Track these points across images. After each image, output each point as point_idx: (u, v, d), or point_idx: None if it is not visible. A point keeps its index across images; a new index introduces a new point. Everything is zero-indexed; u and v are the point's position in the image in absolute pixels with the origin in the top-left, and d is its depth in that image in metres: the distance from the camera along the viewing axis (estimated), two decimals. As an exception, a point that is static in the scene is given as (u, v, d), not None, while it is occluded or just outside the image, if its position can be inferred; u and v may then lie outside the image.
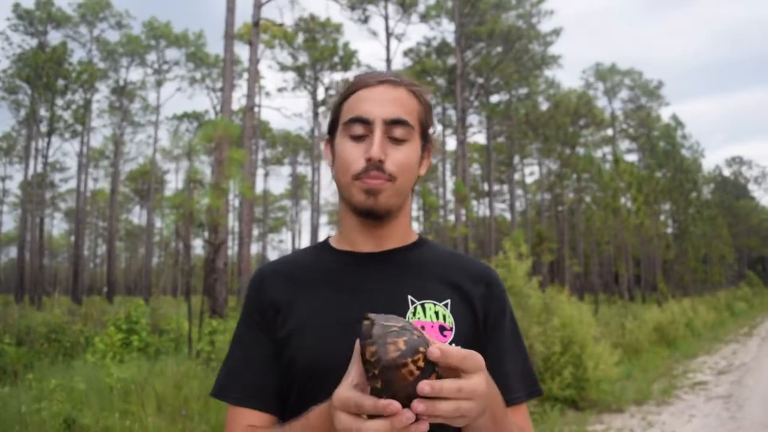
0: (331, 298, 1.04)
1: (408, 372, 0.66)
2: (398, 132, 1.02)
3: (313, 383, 0.98)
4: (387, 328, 0.68)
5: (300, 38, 32.12)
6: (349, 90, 1.06)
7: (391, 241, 1.10)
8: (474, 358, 0.72)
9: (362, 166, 1.01)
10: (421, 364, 0.67)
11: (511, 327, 1.11)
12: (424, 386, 0.66)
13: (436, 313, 1.02)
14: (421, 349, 0.67)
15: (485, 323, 1.07)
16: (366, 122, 1.01)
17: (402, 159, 1.02)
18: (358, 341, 0.71)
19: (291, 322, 1.03)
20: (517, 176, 43.97)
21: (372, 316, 0.70)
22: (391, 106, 1.02)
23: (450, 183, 38.37)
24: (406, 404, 0.66)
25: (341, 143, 1.05)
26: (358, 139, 1.03)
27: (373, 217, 1.04)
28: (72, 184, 43.10)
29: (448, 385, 0.68)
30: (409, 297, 1.03)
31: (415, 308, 1.02)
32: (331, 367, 0.91)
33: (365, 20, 28.23)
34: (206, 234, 10.70)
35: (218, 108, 34.71)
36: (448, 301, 1.05)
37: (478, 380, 0.71)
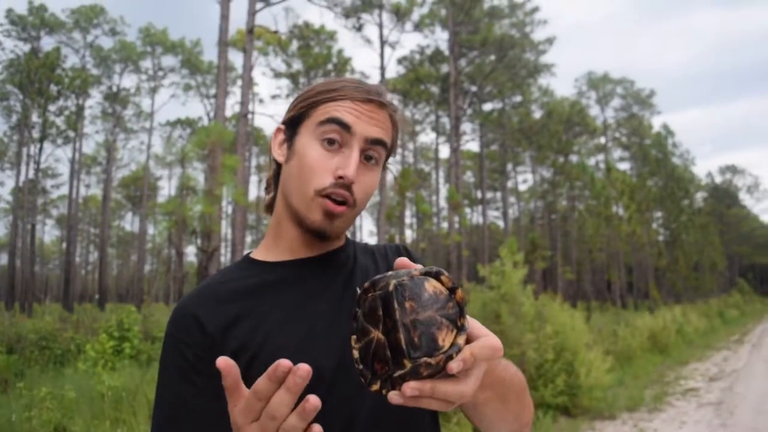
0: (283, 314, 0.94)
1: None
2: (375, 152, 0.97)
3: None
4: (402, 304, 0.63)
5: (294, 45, 32.18)
6: (333, 94, 0.97)
7: (331, 245, 1.05)
8: (497, 350, 0.67)
9: (329, 182, 0.93)
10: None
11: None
12: (413, 389, 0.61)
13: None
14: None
15: None
16: (346, 128, 0.94)
17: (369, 185, 0.98)
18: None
19: (249, 350, 0.89)
20: (510, 184, 44.09)
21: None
22: (375, 126, 0.97)
23: (443, 190, 38.44)
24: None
25: (309, 145, 0.96)
26: (329, 144, 0.95)
27: (323, 238, 0.98)
28: (64, 190, 43.04)
29: (441, 388, 0.63)
30: (358, 290, 0.99)
31: None
32: (315, 379, 0.85)
33: (359, 28, 28.31)
34: (199, 241, 10.68)
35: (212, 114, 34.68)
36: None
37: (474, 381, 0.66)
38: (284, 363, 0.61)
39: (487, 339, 0.67)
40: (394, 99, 1.09)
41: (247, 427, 0.65)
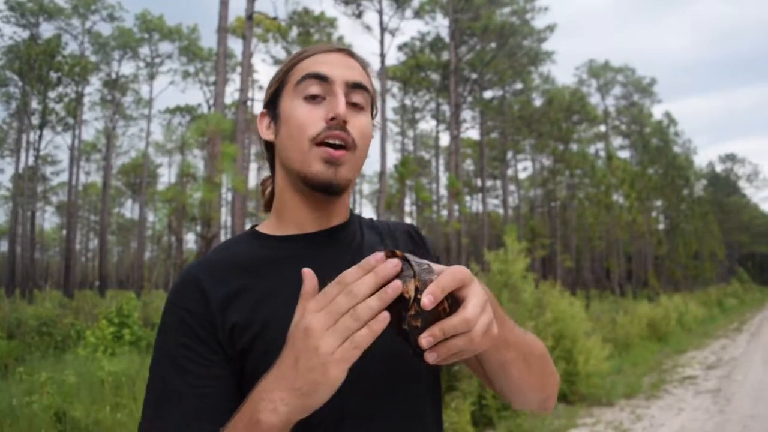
0: (291, 291, 0.85)
1: (443, 309, 0.69)
2: (358, 97, 0.95)
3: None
4: (421, 265, 0.71)
5: (294, 32, 31.99)
6: (301, 55, 0.98)
7: (337, 218, 1.01)
8: (461, 273, 0.71)
9: (322, 127, 0.91)
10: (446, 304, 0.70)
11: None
12: (427, 338, 0.68)
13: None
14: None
15: None
16: (324, 79, 0.92)
17: (363, 125, 0.95)
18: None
19: (249, 327, 0.87)
20: (510, 172, 44.03)
21: (404, 254, 0.72)
22: (351, 71, 0.95)
23: (443, 178, 38.39)
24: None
25: (293, 106, 0.94)
26: (313, 100, 0.93)
27: (330, 191, 0.93)
28: (63, 177, 42.97)
29: (447, 322, 0.68)
30: None
31: None
32: None
33: (359, 15, 28.15)
34: (199, 228, 10.68)
35: (211, 102, 34.58)
36: None
37: (474, 304, 0.70)
38: (377, 254, 0.69)
39: (449, 269, 0.71)
40: (394, 87, 1.08)
41: (322, 333, 0.68)
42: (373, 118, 1.01)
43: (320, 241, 0.98)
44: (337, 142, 0.91)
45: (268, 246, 0.97)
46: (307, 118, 0.92)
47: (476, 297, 0.70)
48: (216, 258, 0.95)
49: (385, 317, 0.67)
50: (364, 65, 1.00)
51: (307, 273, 0.73)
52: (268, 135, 1.00)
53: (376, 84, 1.03)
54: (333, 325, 0.68)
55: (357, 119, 0.94)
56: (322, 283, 0.76)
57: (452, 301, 0.70)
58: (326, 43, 1.03)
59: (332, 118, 0.90)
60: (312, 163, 0.91)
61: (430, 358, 0.69)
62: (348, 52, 0.98)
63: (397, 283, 0.67)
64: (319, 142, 0.91)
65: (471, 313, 0.69)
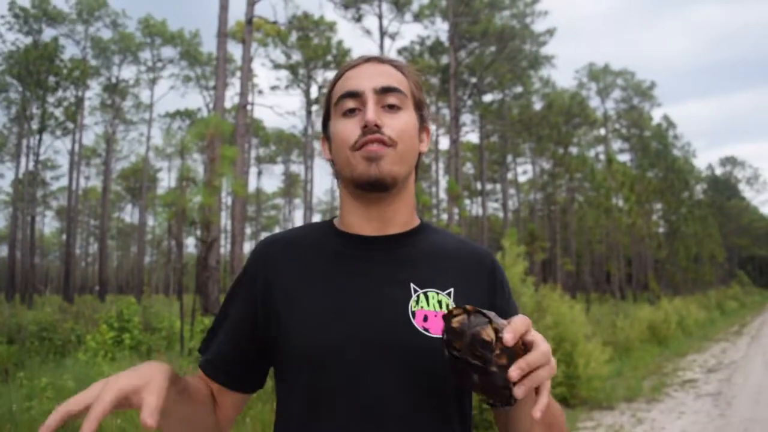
0: (331, 281, 1.00)
1: (520, 348, 0.77)
2: (391, 99, 1.00)
3: (310, 365, 0.95)
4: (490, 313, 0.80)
5: (293, 36, 32.05)
6: (336, 77, 1.06)
7: (394, 226, 1.05)
8: (528, 319, 0.80)
9: (358, 135, 0.98)
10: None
11: (515, 311, 1.10)
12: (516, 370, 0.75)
13: (440, 302, 0.99)
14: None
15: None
16: (355, 95, 1.00)
17: (400, 125, 1.00)
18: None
19: (286, 300, 0.99)
20: (510, 175, 44.07)
21: (474, 307, 0.80)
22: (379, 77, 1.01)
23: (443, 182, 38.41)
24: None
25: (335, 124, 1.03)
26: (351, 114, 1.00)
27: (379, 188, 0.98)
28: (63, 182, 42.95)
29: (533, 357, 0.76)
30: (412, 285, 0.99)
31: (418, 297, 0.98)
32: (327, 351, 0.93)
33: (359, 19, 28.20)
34: (198, 232, 10.68)
35: (211, 106, 34.61)
36: (452, 290, 1.01)
37: (544, 343, 0.79)
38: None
39: (519, 316, 0.80)
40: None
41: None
42: (421, 111, 1.07)
43: (370, 245, 1.04)
44: (374, 145, 0.97)
45: (332, 238, 1.06)
46: (345, 130, 1.00)
47: (541, 337, 0.80)
48: (290, 236, 1.10)
49: None
50: (397, 65, 1.06)
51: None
52: (327, 155, 1.09)
53: (417, 77, 1.08)
54: None
55: (392, 119, 1.00)
56: (362, 291, 0.97)
57: (523, 343, 0.78)
58: (359, 57, 1.08)
59: (364, 126, 0.97)
60: (356, 166, 0.98)
61: (519, 391, 0.75)
62: (377, 59, 1.05)
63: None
64: (358, 147, 0.98)
65: (547, 347, 0.78)
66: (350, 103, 1.00)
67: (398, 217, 1.05)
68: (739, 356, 12.79)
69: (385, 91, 1.00)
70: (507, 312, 1.03)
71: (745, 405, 7.72)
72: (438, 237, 1.09)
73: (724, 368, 11.12)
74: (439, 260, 1.05)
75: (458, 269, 1.05)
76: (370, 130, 0.97)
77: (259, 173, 50.05)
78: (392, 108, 1.00)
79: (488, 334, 0.75)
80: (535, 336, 0.79)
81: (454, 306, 0.78)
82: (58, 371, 6.98)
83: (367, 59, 1.05)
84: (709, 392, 8.74)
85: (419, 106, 1.06)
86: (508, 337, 0.73)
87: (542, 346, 0.78)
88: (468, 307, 0.80)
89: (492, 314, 0.78)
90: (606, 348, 8.90)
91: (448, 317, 0.80)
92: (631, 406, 7.89)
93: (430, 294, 0.99)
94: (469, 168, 47.14)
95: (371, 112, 0.97)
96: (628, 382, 9.10)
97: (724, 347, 14.73)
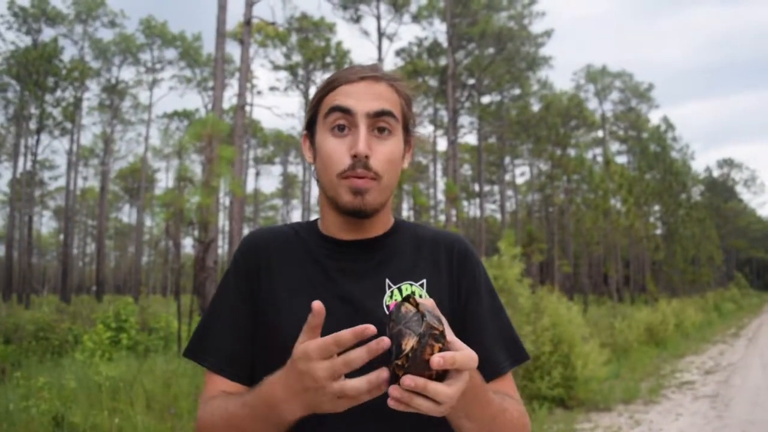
0: (310, 279, 1.06)
1: (434, 372, 0.74)
2: (382, 123, 1.03)
3: (283, 359, 0.94)
4: (432, 325, 0.76)
5: (293, 38, 32.04)
6: (330, 86, 1.06)
7: (373, 232, 1.11)
8: (474, 361, 0.77)
9: (348, 164, 1.00)
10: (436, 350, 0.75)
11: (489, 296, 1.12)
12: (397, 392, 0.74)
13: (413, 293, 1.04)
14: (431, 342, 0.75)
15: (461, 296, 1.09)
16: (347, 112, 1.01)
17: (387, 154, 1.03)
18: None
19: (269, 295, 1.05)
20: (507, 177, 44.09)
21: (420, 305, 0.77)
22: (374, 100, 1.03)
23: (441, 183, 38.43)
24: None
25: (323, 138, 1.05)
26: (339, 131, 1.02)
27: (360, 216, 1.04)
28: (61, 182, 42.77)
29: (432, 386, 0.73)
30: (387, 281, 1.06)
31: (392, 291, 1.05)
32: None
33: (357, 20, 28.19)
34: (196, 232, 10.66)
35: (209, 106, 34.60)
36: (424, 280, 1.07)
37: (458, 387, 0.75)
38: (372, 329, 0.74)
39: (468, 352, 0.76)
40: (397, 72, 1.14)
41: (318, 362, 0.77)
42: (408, 130, 1.11)
43: (348, 247, 1.09)
44: (361, 180, 1.01)
45: (314, 239, 1.12)
46: (334, 152, 1.02)
47: (462, 383, 0.76)
48: (276, 232, 1.15)
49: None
50: (391, 83, 1.07)
51: (316, 307, 0.78)
52: (309, 158, 1.12)
53: (407, 89, 1.10)
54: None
55: (381, 148, 1.03)
56: (338, 289, 1.02)
57: (442, 371, 0.75)
58: (353, 67, 1.08)
59: (354, 155, 1.00)
60: (341, 194, 1.02)
61: (390, 402, 0.74)
62: (373, 78, 1.05)
63: (386, 341, 0.74)
64: (345, 177, 1.01)
65: (453, 393, 0.74)
66: (341, 120, 1.02)
67: (376, 226, 1.11)
68: (737, 358, 12.81)
69: (378, 114, 1.02)
70: (479, 301, 1.10)
71: (743, 407, 7.73)
72: (412, 231, 1.15)
73: (721, 370, 11.14)
74: (413, 253, 1.11)
75: (431, 260, 1.11)
76: (360, 161, 0.99)
77: (258, 174, 50.01)
78: (382, 132, 1.03)
79: (408, 342, 0.73)
80: (462, 377, 0.76)
81: (425, 296, 0.78)
82: (55, 371, 6.97)
83: (364, 76, 1.05)
84: (707, 394, 8.75)
85: (406, 123, 1.10)
86: (436, 360, 0.71)
87: (452, 389, 0.74)
88: (412, 300, 0.78)
89: (432, 327, 0.74)
90: (603, 350, 8.91)
91: (399, 304, 0.79)
92: (629, 407, 7.90)
93: (404, 286, 1.06)
94: (467, 169, 47.16)
95: (363, 144, 0.99)
96: (626, 383, 9.10)
97: (721, 349, 14.76)
